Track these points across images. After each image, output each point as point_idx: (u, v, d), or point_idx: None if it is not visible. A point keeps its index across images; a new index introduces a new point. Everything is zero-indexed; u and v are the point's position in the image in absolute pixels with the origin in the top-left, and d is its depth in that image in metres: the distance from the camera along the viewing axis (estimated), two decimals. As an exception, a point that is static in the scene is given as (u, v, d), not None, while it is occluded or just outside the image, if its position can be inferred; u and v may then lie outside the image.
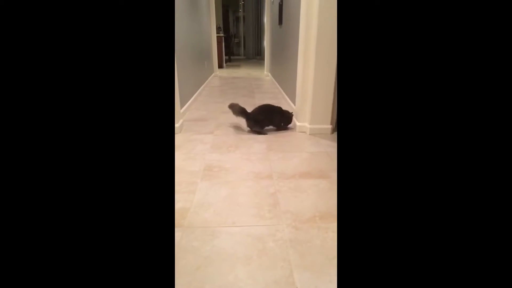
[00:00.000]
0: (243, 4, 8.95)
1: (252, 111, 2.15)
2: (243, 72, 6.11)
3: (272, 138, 2.05)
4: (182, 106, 2.58)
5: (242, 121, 2.25)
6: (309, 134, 2.12)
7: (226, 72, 5.93)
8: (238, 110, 2.14)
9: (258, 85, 4.36)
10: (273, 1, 4.40)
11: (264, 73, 5.61)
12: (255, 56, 9.50)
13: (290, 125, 2.28)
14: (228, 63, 7.80)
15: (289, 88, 2.93)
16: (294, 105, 2.49)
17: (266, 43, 5.17)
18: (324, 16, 1.85)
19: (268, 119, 2.15)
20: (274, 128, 2.23)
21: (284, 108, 2.24)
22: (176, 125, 2.12)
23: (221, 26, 7.43)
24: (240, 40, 9.82)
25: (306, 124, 2.15)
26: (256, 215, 1.16)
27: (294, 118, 2.28)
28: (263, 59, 8.55)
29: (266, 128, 2.19)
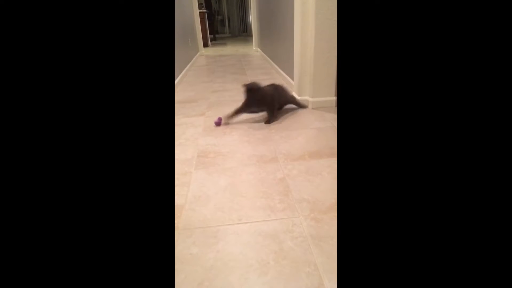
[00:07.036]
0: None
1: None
2: (230, 49, 5.75)
3: (271, 116, 1.83)
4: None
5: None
6: (312, 109, 1.91)
7: (212, 51, 5.58)
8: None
9: (248, 61, 4.07)
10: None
11: (252, 49, 5.29)
12: (241, 33, 9.10)
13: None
14: (213, 42, 7.42)
15: (284, 61, 2.67)
16: (292, 79, 2.26)
17: (253, 17, 4.85)
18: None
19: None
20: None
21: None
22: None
23: (203, 2, 7.00)
24: (224, 18, 9.42)
25: (308, 98, 1.93)
26: (265, 207, 0.96)
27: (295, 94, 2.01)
28: (250, 35, 8.15)
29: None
